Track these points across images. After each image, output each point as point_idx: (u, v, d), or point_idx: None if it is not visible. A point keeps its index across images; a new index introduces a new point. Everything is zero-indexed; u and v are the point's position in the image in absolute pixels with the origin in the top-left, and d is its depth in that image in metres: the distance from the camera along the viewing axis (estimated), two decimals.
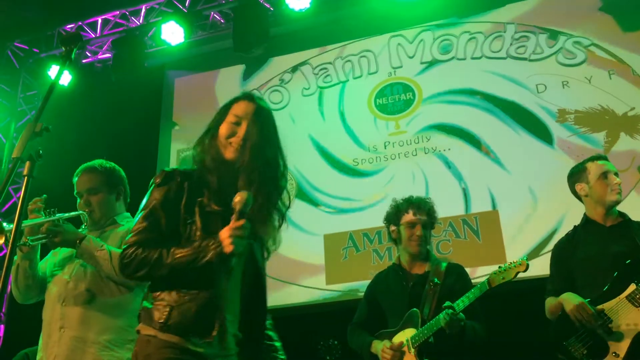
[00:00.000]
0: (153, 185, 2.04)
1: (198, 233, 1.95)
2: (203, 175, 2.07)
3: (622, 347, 2.57)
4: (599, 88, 4.52)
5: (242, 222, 1.86)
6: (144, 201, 2.04)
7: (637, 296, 2.59)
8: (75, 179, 2.77)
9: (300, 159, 5.05)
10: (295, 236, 4.71)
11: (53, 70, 5.91)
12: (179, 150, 5.60)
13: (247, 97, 2.20)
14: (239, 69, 5.75)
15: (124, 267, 1.95)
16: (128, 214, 2.85)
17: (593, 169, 2.92)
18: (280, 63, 5.64)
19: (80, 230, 2.62)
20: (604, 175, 2.88)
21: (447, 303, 2.76)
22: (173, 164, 5.52)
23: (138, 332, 1.97)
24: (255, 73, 5.68)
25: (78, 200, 2.75)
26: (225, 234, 1.86)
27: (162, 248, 1.93)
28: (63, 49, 1.95)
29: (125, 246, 1.96)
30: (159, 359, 1.87)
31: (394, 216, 3.17)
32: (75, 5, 5.94)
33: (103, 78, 6.07)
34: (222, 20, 5.79)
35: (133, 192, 2.86)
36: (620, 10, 4.70)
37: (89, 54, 6.19)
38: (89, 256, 2.53)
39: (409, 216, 3.10)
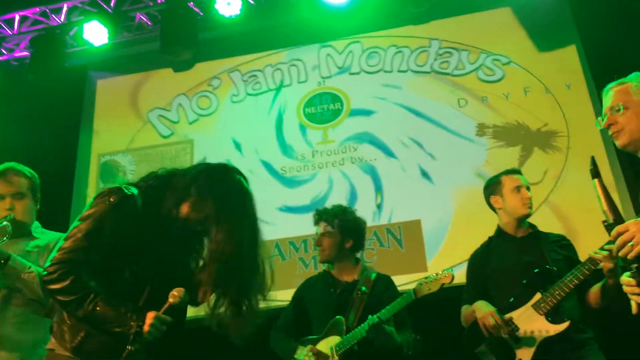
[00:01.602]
0: (104, 201, 1.89)
1: (135, 272, 1.89)
2: (156, 220, 1.93)
3: (528, 353, 2.69)
4: (515, 104, 4.75)
5: (168, 318, 1.85)
6: (89, 214, 1.88)
7: (542, 304, 2.72)
8: None
9: None
10: None
11: None
12: (100, 154, 5.39)
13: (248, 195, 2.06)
14: (166, 72, 5.63)
15: (47, 282, 1.83)
16: (38, 224, 2.70)
17: (507, 182, 3.05)
18: (209, 68, 5.57)
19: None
20: (517, 189, 3.02)
21: (375, 317, 2.79)
22: (93, 169, 5.32)
23: (51, 349, 1.89)
24: (183, 77, 5.58)
25: None
26: (150, 319, 1.82)
27: (89, 284, 1.83)
28: None
29: (56, 262, 1.83)
30: None
31: (315, 226, 3.24)
32: None
33: (19, 77, 5.77)
34: (149, 23, 5.65)
35: (45, 198, 2.72)
36: (537, 31, 4.97)
37: (4, 51, 5.87)
38: (15, 278, 2.38)
39: (316, 228, 3.18)
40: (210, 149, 5.18)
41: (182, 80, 5.56)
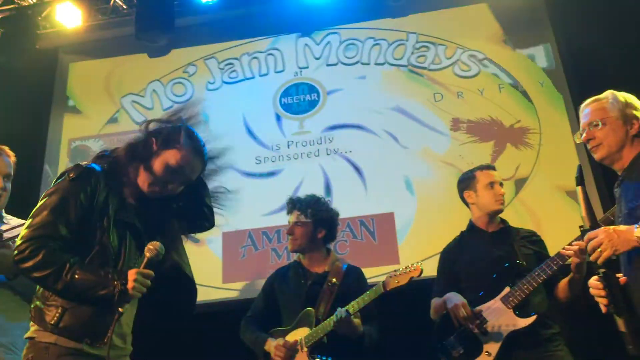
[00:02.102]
0: (65, 178, 1.94)
1: (106, 242, 1.91)
2: (121, 185, 2.01)
3: (495, 346, 2.74)
4: (490, 100, 4.81)
5: (150, 272, 1.87)
6: (52, 192, 1.92)
7: (510, 298, 2.77)
8: None
9: None
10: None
11: None
12: (70, 139, 5.29)
13: (200, 155, 2.10)
14: (140, 58, 5.54)
15: (19, 261, 1.83)
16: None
17: (481, 178, 3.10)
18: (185, 55, 5.49)
19: None
20: (491, 185, 3.07)
21: (343, 311, 2.80)
22: (64, 153, 5.21)
23: (32, 338, 1.86)
24: (158, 63, 5.49)
25: None
26: (132, 275, 1.84)
27: (63, 255, 1.83)
28: None
29: (25, 239, 1.83)
30: None
31: (288, 215, 3.24)
32: None
33: None
34: (124, 6, 5.55)
35: (13, 183, 2.66)
36: (512, 29, 5.02)
37: None
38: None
39: (289, 217, 3.17)
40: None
41: (157, 66, 5.48)
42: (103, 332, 1.85)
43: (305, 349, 2.90)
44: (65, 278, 1.79)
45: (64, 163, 5.16)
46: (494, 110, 4.76)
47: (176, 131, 2.06)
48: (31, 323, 1.89)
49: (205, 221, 2.26)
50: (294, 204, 3.20)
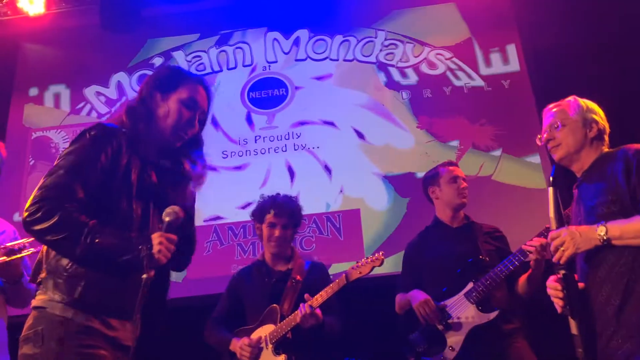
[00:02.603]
0: (86, 137, 1.78)
1: (131, 205, 1.78)
2: (139, 143, 1.88)
3: (458, 341, 2.79)
4: (456, 99, 4.87)
5: (173, 236, 1.75)
6: (68, 151, 1.76)
7: (474, 294, 2.83)
8: None
9: None
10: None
11: None
12: (31, 129, 5.14)
13: (204, 84, 2.08)
14: (105, 48, 5.41)
15: (31, 223, 1.66)
16: None
17: (444, 173, 3.17)
18: (151, 46, 5.40)
19: None
20: (454, 179, 3.14)
21: (307, 305, 2.80)
22: (24, 145, 5.06)
23: (42, 307, 1.69)
24: (123, 54, 5.39)
25: None
26: (157, 239, 1.71)
27: (80, 217, 1.66)
28: None
29: (37, 200, 1.67)
30: (76, 346, 1.64)
31: (258, 214, 3.20)
32: None
33: None
34: None
35: None
36: (479, 28, 5.09)
37: None
38: None
39: (270, 217, 3.14)
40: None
41: (122, 57, 5.37)
42: (128, 306, 1.70)
43: (270, 346, 2.90)
44: (85, 241, 1.63)
45: (24, 153, 5.03)
46: (460, 109, 4.82)
47: (171, 72, 2.03)
48: (39, 292, 1.73)
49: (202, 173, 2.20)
50: (278, 204, 3.16)
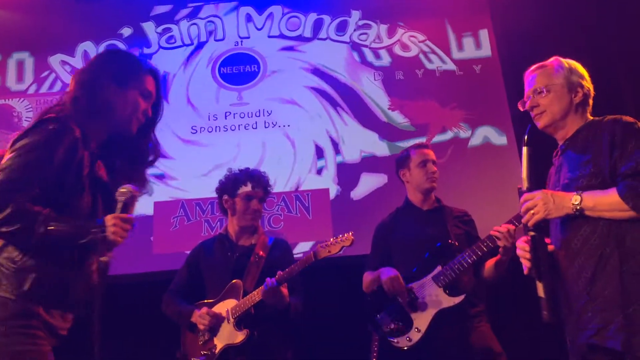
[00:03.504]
0: (44, 129, 1.75)
1: (82, 199, 1.78)
2: (92, 137, 1.87)
3: (424, 322, 2.82)
4: (428, 82, 4.89)
5: (129, 216, 1.77)
6: (26, 142, 1.73)
7: (441, 277, 2.86)
8: None
9: None
10: None
11: None
12: None
13: (155, 74, 2.07)
14: (72, 16, 5.23)
15: None
16: None
17: (414, 156, 3.17)
18: (120, 15, 5.24)
19: None
20: (423, 163, 3.14)
21: (272, 281, 2.80)
22: None
23: None
24: (91, 23, 5.22)
25: None
26: (110, 221, 1.72)
27: (33, 207, 1.66)
28: None
29: None
30: (14, 327, 1.66)
31: (230, 187, 3.15)
32: None
33: None
34: None
35: None
36: (453, 12, 5.10)
37: None
38: None
39: (246, 189, 3.09)
40: None
41: (90, 26, 5.20)
42: (72, 299, 1.74)
43: (232, 320, 2.89)
44: (38, 231, 1.65)
45: None
46: (432, 92, 4.84)
47: (126, 62, 2.01)
48: None
49: (151, 154, 2.14)
50: (250, 178, 3.13)
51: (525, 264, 1.99)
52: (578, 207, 1.90)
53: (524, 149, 2.03)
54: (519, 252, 2.04)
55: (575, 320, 1.96)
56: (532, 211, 1.93)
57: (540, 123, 2.17)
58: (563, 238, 2.03)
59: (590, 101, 2.18)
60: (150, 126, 2.08)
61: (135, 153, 2.03)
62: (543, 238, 1.97)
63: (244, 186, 3.10)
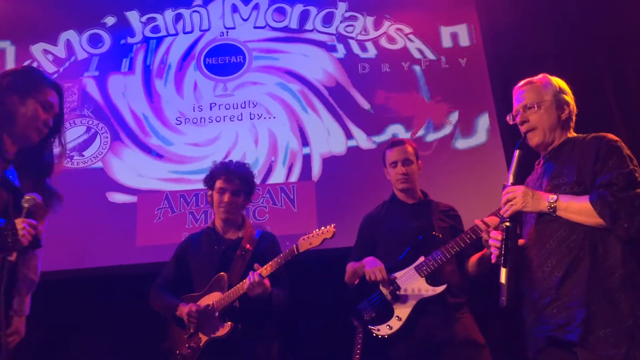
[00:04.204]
0: None
1: None
2: (4, 142, 2.07)
3: (405, 311, 2.85)
4: (413, 75, 4.89)
5: (33, 222, 1.91)
6: None
7: (424, 267, 2.89)
8: None
9: (118, 110, 4.78)
10: (107, 193, 4.47)
11: None
12: None
13: (58, 88, 2.24)
14: (54, 3, 5.16)
15: None
16: None
17: (387, 157, 3.22)
18: (103, 4, 5.17)
19: None
20: (394, 164, 3.17)
21: (256, 274, 2.80)
22: None
23: None
24: (74, 11, 5.15)
25: None
26: (20, 224, 1.86)
27: None
28: None
29: None
30: None
31: (209, 180, 3.17)
32: None
33: None
34: None
35: None
36: (438, 6, 5.11)
37: None
38: None
39: (220, 182, 3.10)
40: (102, 91, 4.88)
41: (72, 15, 5.13)
42: None
43: (217, 313, 2.89)
44: None
45: None
46: (417, 85, 4.85)
47: (29, 76, 2.18)
48: None
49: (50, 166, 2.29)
50: (228, 170, 3.12)
51: (494, 252, 2.10)
52: (553, 205, 2.03)
53: (517, 152, 2.16)
54: (491, 240, 2.16)
55: (537, 313, 2.08)
56: (511, 202, 2.07)
57: (533, 141, 2.27)
58: (538, 238, 2.14)
59: (574, 117, 2.29)
60: (52, 137, 2.25)
61: (39, 162, 2.20)
62: (516, 230, 2.08)
63: (218, 179, 3.11)
